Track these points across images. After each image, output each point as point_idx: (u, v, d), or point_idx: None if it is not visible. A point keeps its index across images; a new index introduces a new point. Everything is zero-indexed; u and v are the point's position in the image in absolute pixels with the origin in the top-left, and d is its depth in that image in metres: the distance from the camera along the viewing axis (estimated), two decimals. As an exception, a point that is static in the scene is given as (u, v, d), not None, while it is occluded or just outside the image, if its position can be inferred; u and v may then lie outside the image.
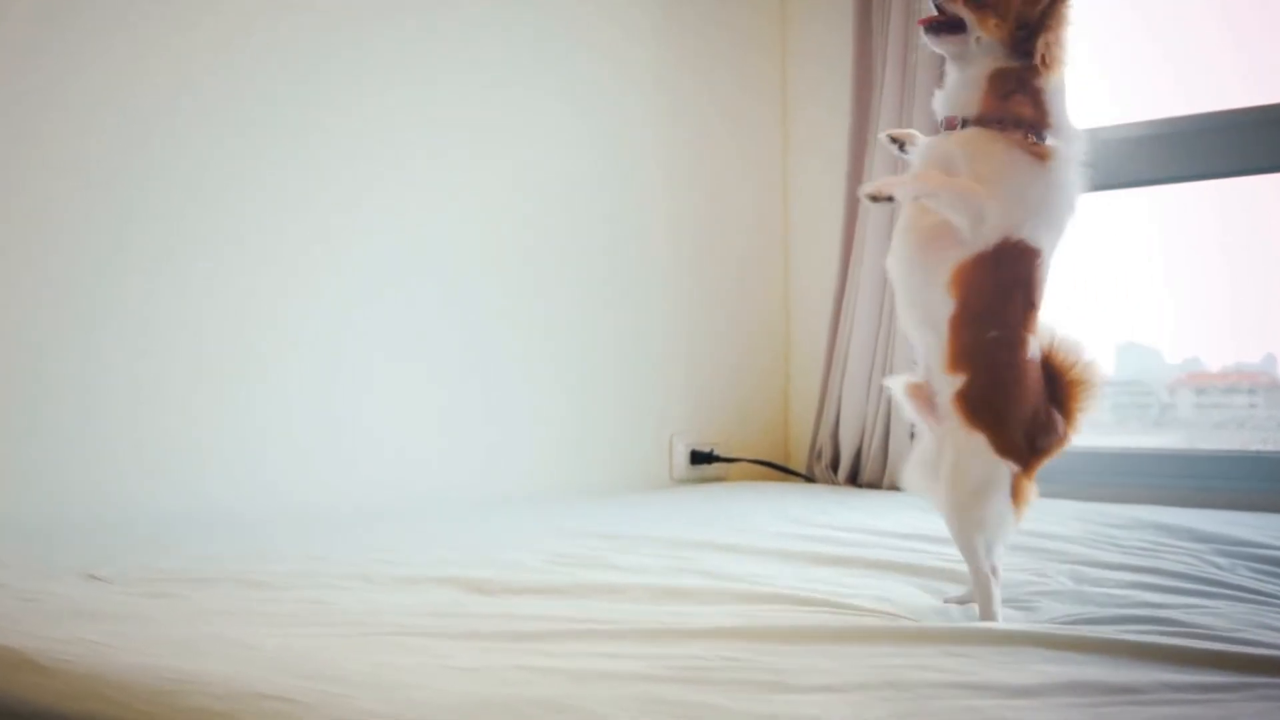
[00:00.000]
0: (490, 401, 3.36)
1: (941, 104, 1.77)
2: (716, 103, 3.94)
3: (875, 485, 3.62)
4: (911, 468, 1.80)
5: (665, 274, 3.78)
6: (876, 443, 3.63)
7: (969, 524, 1.70)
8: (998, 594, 1.73)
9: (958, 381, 1.69)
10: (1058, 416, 1.76)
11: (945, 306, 1.69)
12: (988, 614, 1.71)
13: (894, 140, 1.87)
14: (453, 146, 3.29)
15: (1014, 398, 1.71)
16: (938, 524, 2.29)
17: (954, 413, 1.70)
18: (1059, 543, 2.36)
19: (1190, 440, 3.62)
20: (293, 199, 2.98)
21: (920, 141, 1.81)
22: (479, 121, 3.35)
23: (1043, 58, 1.72)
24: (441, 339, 3.26)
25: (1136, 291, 3.62)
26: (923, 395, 1.75)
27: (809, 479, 3.84)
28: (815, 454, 3.81)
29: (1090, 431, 3.72)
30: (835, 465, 3.74)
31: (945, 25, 1.75)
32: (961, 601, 1.85)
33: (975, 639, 1.50)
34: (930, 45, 1.78)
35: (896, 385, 1.80)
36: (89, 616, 1.67)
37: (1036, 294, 1.73)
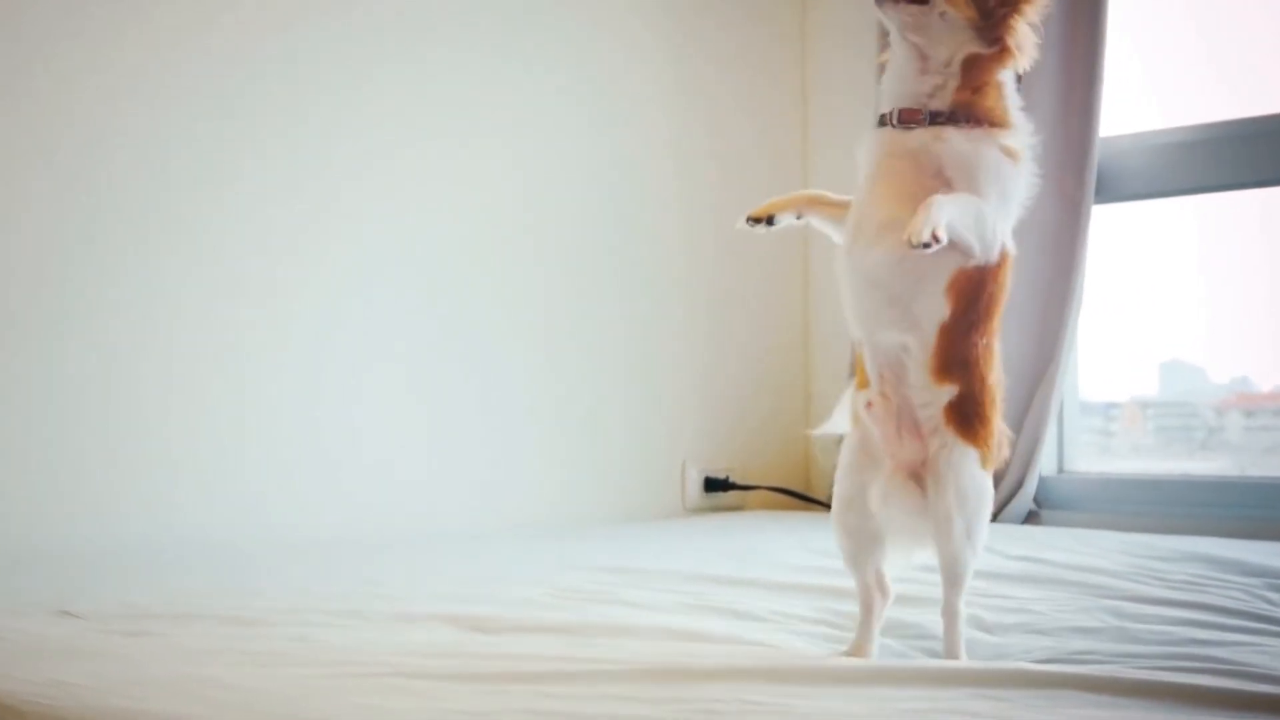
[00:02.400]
0: (487, 423, 3.35)
1: (892, 89, 1.73)
2: (731, 90, 3.91)
3: (902, 514, 3.61)
4: (875, 495, 1.73)
5: (677, 281, 3.77)
6: (903, 468, 3.62)
7: (972, 548, 1.70)
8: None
9: (948, 393, 1.69)
10: (1008, 434, 1.76)
11: (937, 312, 1.67)
12: (955, 657, 1.71)
13: (758, 220, 1.86)
14: (444, 135, 3.29)
15: (997, 412, 1.72)
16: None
17: (945, 426, 1.68)
18: (1099, 576, 2.36)
19: (1239, 466, 3.61)
20: (269, 196, 2.98)
21: (877, 137, 1.73)
22: (474, 107, 3.34)
23: (1012, 45, 1.70)
24: (433, 354, 3.26)
25: (1180, 306, 3.62)
26: (889, 411, 1.72)
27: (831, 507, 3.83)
28: (838, 480, 3.80)
29: (1132, 456, 3.75)
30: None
31: None
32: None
33: (1010, 681, 1.49)
34: (881, 12, 1.70)
35: (858, 400, 1.75)
36: (63, 656, 1.67)
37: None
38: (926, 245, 1.56)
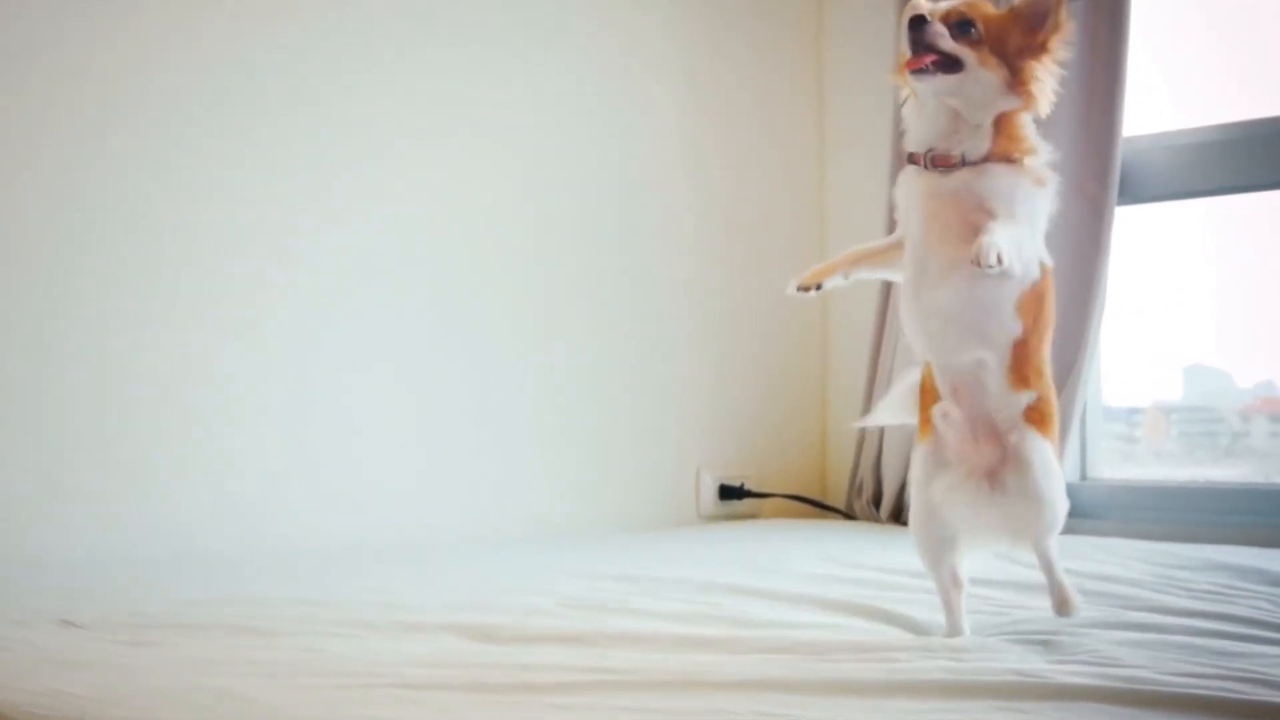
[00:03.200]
0: (493, 427, 3.35)
1: (922, 134, 1.85)
2: (745, 88, 3.90)
3: (920, 522, 3.61)
4: (948, 498, 1.90)
5: (690, 282, 3.76)
6: (922, 476, 3.62)
7: (1055, 526, 1.89)
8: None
9: (1028, 397, 1.85)
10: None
11: (1012, 330, 1.83)
12: (1067, 605, 1.94)
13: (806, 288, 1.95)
14: (443, 133, 3.29)
15: (1056, 409, 1.90)
16: (988, 567, 2.29)
17: (1026, 425, 1.85)
18: (1121, 586, 2.36)
19: (1265, 473, 3.61)
20: (260, 197, 2.99)
21: (916, 181, 1.86)
22: (474, 104, 3.34)
23: (1035, 92, 1.83)
24: (435, 357, 3.26)
25: (1204, 309, 3.62)
26: (964, 418, 1.87)
27: (849, 516, 3.84)
28: (856, 488, 3.81)
29: (1155, 463, 3.74)
30: (878, 501, 3.73)
31: (941, 65, 1.80)
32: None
33: (1030, 693, 1.49)
34: (918, 89, 1.83)
35: (934, 411, 1.91)
36: (66, 666, 1.68)
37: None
38: (991, 265, 1.71)
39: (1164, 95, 3.54)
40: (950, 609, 1.94)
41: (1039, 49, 1.82)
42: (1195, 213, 3.53)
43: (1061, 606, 1.95)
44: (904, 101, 1.91)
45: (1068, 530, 3.33)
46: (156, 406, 2.83)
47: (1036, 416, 1.85)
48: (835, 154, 4.07)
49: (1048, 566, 1.94)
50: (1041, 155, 1.85)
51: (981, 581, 2.35)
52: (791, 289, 1.93)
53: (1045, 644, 1.92)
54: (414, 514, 3.19)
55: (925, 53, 1.79)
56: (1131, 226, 3.48)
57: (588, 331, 3.54)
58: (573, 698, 1.50)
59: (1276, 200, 3.41)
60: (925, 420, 1.93)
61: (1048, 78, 1.83)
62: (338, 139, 3.11)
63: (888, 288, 3.76)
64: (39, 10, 2.70)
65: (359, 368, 3.12)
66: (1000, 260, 1.70)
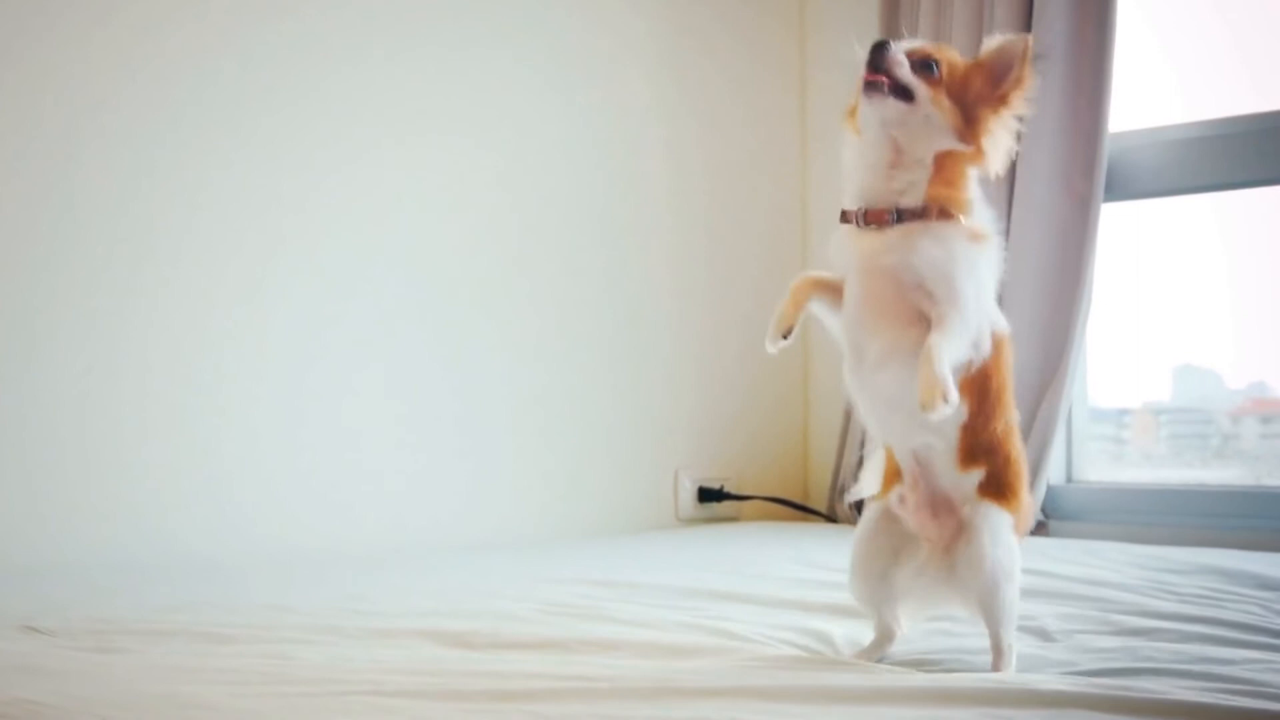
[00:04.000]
0: (472, 431, 3.36)
1: (860, 183, 1.82)
2: (727, 84, 3.91)
3: (904, 525, 3.62)
4: (869, 564, 1.90)
5: (670, 282, 3.77)
6: (905, 478, 3.62)
7: (1012, 601, 1.81)
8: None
9: (977, 475, 1.83)
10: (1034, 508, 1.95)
11: (955, 416, 1.76)
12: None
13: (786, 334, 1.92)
14: (425, 135, 3.29)
15: (1024, 484, 1.87)
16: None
17: (978, 499, 1.83)
18: (1110, 590, 2.37)
19: (1255, 475, 3.62)
20: (246, 201, 2.99)
21: (849, 240, 1.83)
22: (454, 104, 3.34)
23: (986, 146, 1.81)
24: (415, 361, 3.26)
25: (1194, 309, 3.63)
26: (921, 499, 1.86)
27: (831, 519, 3.84)
28: (838, 491, 3.81)
29: (1144, 465, 3.75)
30: (860, 504, 3.73)
31: (894, 90, 1.79)
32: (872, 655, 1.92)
33: (1015, 700, 1.50)
34: (866, 101, 1.80)
35: (891, 497, 1.90)
36: (28, 673, 1.67)
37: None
38: (937, 413, 1.69)
39: (1151, 90, 3.54)
40: (882, 640, 1.93)
41: (998, 101, 1.80)
42: (1185, 210, 3.54)
43: None
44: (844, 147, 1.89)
45: (1056, 533, 3.39)
46: (141, 411, 2.83)
47: (993, 490, 1.83)
48: (817, 151, 4.07)
49: (1005, 646, 1.82)
50: (980, 213, 1.82)
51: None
52: (774, 348, 1.90)
53: (1031, 650, 1.92)
54: (396, 519, 3.19)
55: (884, 76, 1.79)
56: (1119, 224, 3.49)
57: (567, 336, 3.55)
58: (549, 706, 1.50)
59: (1269, 198, 3.41)
60: (889, 476, 1.93)
61: (1003, 133, 1.81)
62: (325, 141, 3.11)
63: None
64: (24, 7, 2.69)
65: (345, 374, 3.12)
66: (947, 399, 1.68)
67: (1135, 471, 3.74)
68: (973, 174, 1.82)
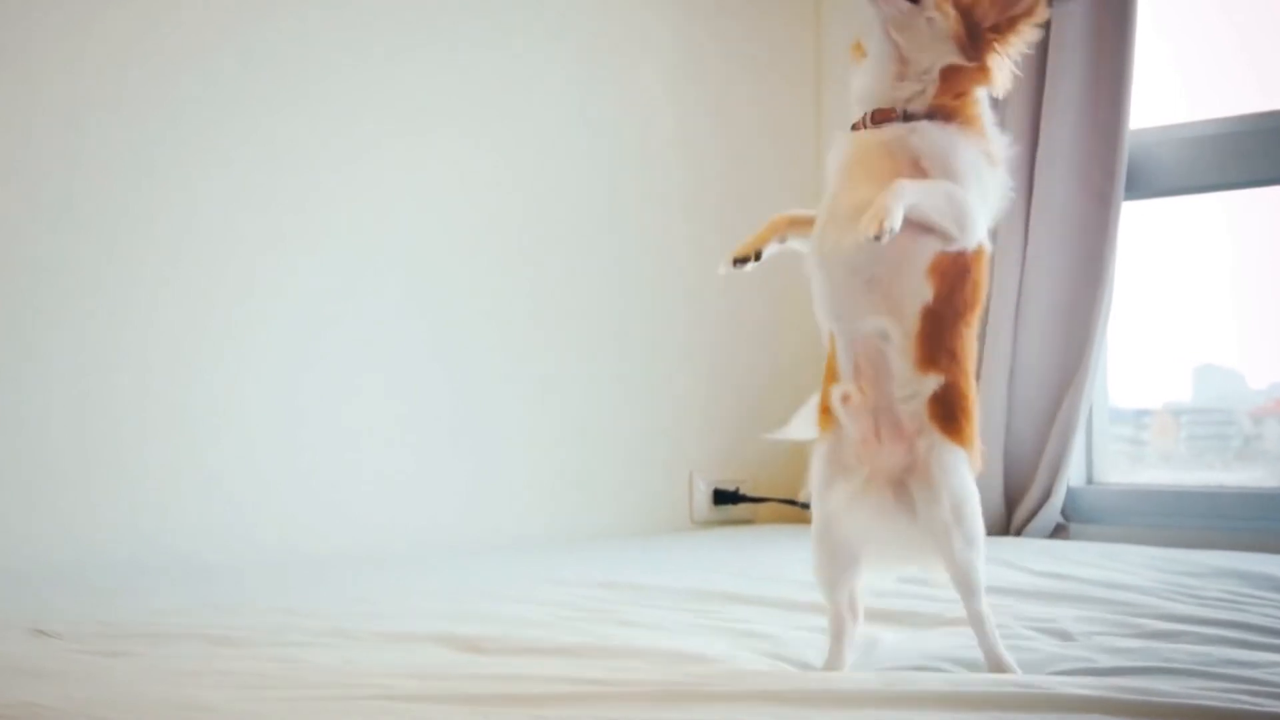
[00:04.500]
0: (482, 432, 3.35)
1: (866, 91, 1.77)
2: (742, 78, 3.91)
3: (921, 527, 3.61)
4: (850, 509, 1.75)
5: (684, 282, 3.76)
6: (923, 479, 3.62)
7: (977, 553, 1.72)
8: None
9: (932, 383, 1.71)
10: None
11: (920, 294, 1.69)
12: (998, 662, 1.74)
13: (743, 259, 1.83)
14: (432, 131, 3.28)
15: (974, 418, 1.74)
16: (995, 572, 2.28)
17: (930, 422, 1.71)
18: (1129, 593, 2.36)
19: (1277, 476, 3.61)
20: (246, 200, 2.99)
21: (849, 139, 1.77)
22: (463, 101, 3.34)
23: (991, 66, 1.75)
24: (422, 360, 3.26)
25: (1215, 308, 3.62)
26: (866, 407, 1.74)
27: (846, 520, 3.83)
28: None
29: (1164, 467, 3.74)
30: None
31: None
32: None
33: (1034, 704, 1.49)
34: (870, 8, 1.76)
35: (833, 394, 1.77)
36: (35, 676, 1.67)
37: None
38: (878, 238, 1.60)
39: (1174, 87, 3.53)
40: (838, 638, 1.81)
41: (1006, 26, 1.74)
42: (1206, 208, 3.53)
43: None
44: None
45: (1076, 535, 3.38)
46: (140, 411, 2.83)
47: (946, 412, 1.70)
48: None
49: (977, 625, 1.75)
50: (997, 141, 1.75)
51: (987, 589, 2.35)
52: (724, 268, 1.81)
53: (1050, 653, 1.91)
54: (404, 520, 3.19)
55: None
56: (1140, 222, 3.48)
57: (579, 333, 3.54)
58: (560, 711, 1.50)
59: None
60: (825, 407, 1.80)
61: (1007, 58, 1.75)
62: (325, 141, 3.11)
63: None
64: (23, 5, 2.69)
65: (347, 373, 3.12)
66: (880, 232, 1.58)
67: (1155, 473, 3.73)
68: (980, 93, 1.76)
